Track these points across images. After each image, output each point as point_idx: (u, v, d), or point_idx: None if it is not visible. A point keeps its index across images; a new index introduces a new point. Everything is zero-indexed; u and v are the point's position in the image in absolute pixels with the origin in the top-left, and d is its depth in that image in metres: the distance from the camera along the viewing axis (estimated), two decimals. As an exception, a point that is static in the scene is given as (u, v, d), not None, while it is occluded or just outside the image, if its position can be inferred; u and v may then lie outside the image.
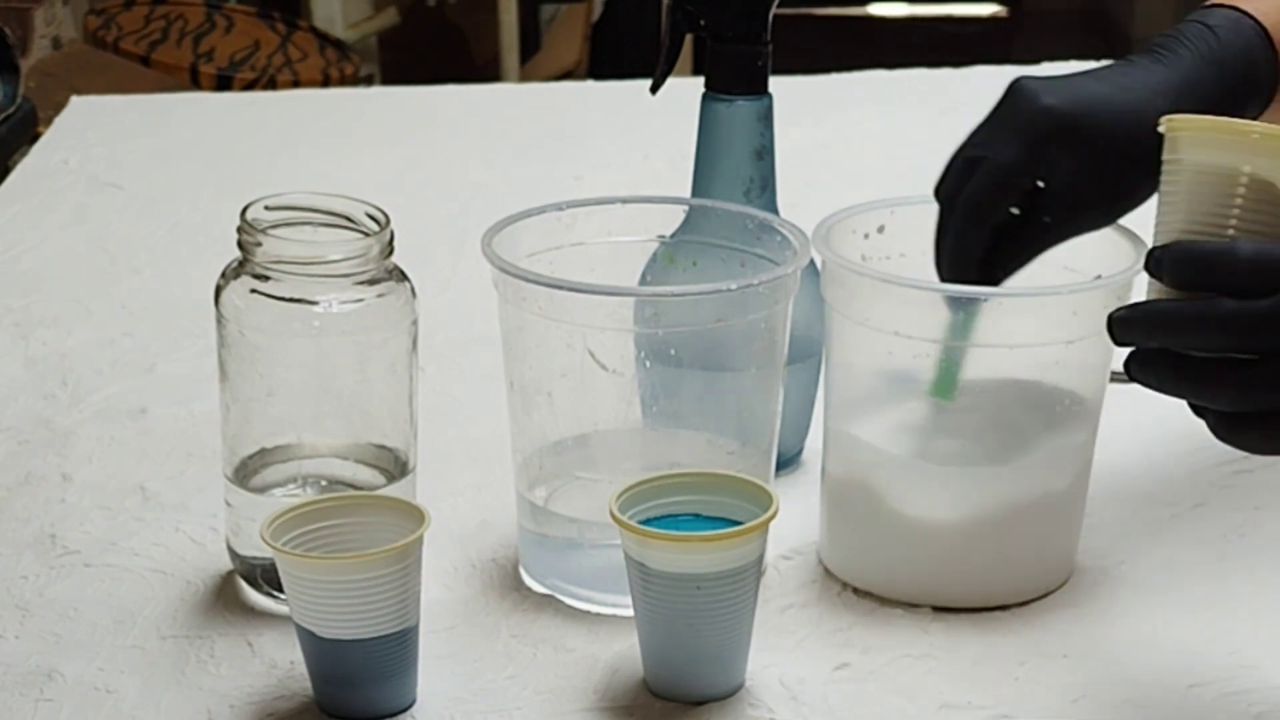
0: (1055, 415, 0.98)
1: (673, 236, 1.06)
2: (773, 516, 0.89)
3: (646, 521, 0.91)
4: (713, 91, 1.07)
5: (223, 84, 2.91)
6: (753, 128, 1.06)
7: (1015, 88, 0.97)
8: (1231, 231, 0.82)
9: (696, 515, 0.93)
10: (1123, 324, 0.83)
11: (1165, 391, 0.83)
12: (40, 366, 1.29)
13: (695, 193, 1.08)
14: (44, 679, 0.95)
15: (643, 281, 1.05)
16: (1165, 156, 0.84)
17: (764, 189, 1.07)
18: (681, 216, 1.06)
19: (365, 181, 1.61)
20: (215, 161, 1.68)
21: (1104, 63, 1.03)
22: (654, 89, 1.09)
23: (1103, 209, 0.97)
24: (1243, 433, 0.82)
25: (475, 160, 1.67)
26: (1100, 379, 0.99)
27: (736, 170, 1.07)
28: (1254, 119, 0.97)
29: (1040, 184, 0.95)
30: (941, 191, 0.98)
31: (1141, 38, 3.39)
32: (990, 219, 0.96)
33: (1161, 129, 0.85)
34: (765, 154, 1.07)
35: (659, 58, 1.08)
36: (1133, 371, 0.84)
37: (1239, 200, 0.82)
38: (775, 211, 1.08)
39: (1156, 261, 0.83)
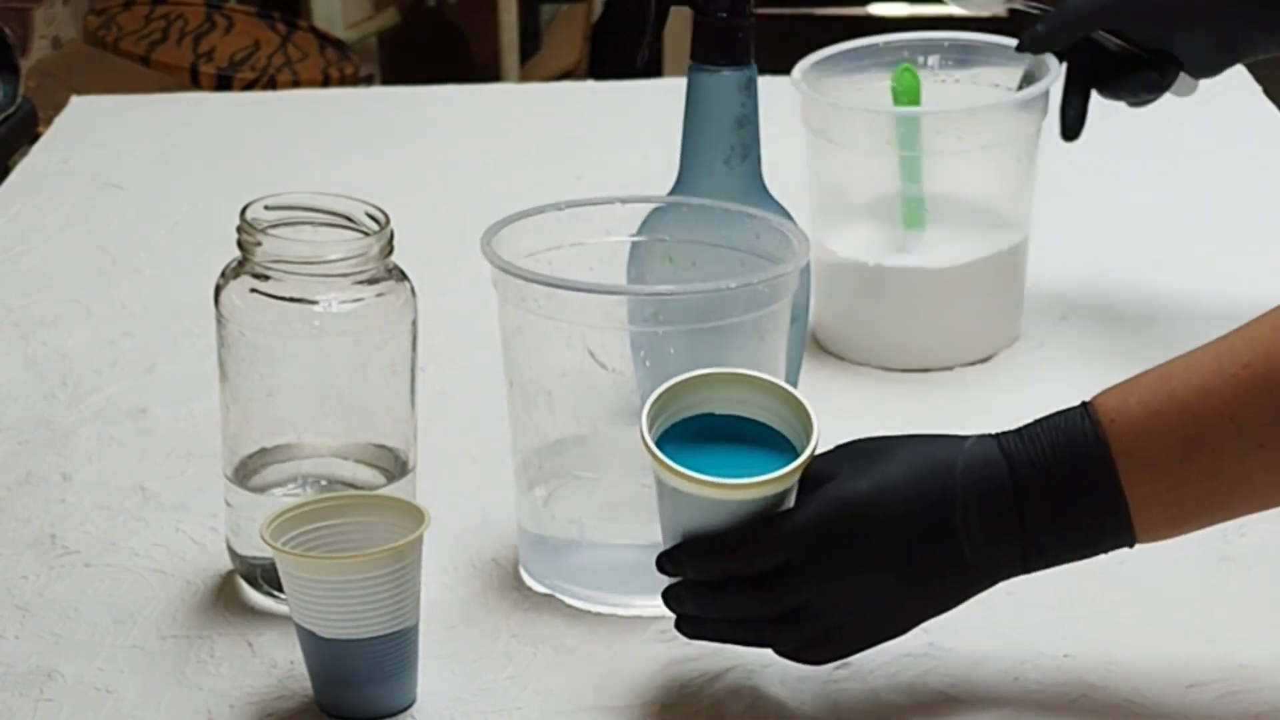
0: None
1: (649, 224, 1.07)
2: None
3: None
4: (697, 62, 1.08)
5: (223, 84, 2.90)
6: (734, 97, 1.09)
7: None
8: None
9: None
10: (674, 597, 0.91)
11: (720, 642, 0.92)
12: (40, 366, 1.29)
13: (681, 160, 1.11)
14: (44, 679, 0.95)
15: (632, 279, 1.05)
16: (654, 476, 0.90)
17: (744, 157, 1.09)
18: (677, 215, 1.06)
19: (365, 181, 1.61)
20: (215, 161, 1.68)
21: None
22: (641, 61, 1.10)
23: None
24: (807, 656, 0.91)
25: (475, 160, 1.66)
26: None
27: (719, 138, 1.09)
28: None
29: None
30: None
31: (1141, 37, 3.37)
32: None
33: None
34: (746, 123, 1.09)
35: (645, 30, 1.09)
36: (685, 631, 0.91)
37: (718, 514, 0.89)
38: (759, 179, 1.10)
39: (671, 560, 0.90)
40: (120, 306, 1.38)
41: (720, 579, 0.89)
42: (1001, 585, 0.91)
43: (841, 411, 1.21)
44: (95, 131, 1.73)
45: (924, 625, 0.97)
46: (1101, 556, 0.95)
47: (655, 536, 0.92)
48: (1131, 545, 0.88)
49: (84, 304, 1.38)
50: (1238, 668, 0.93)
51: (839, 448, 0.91)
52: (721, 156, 1.09)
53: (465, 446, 1.17)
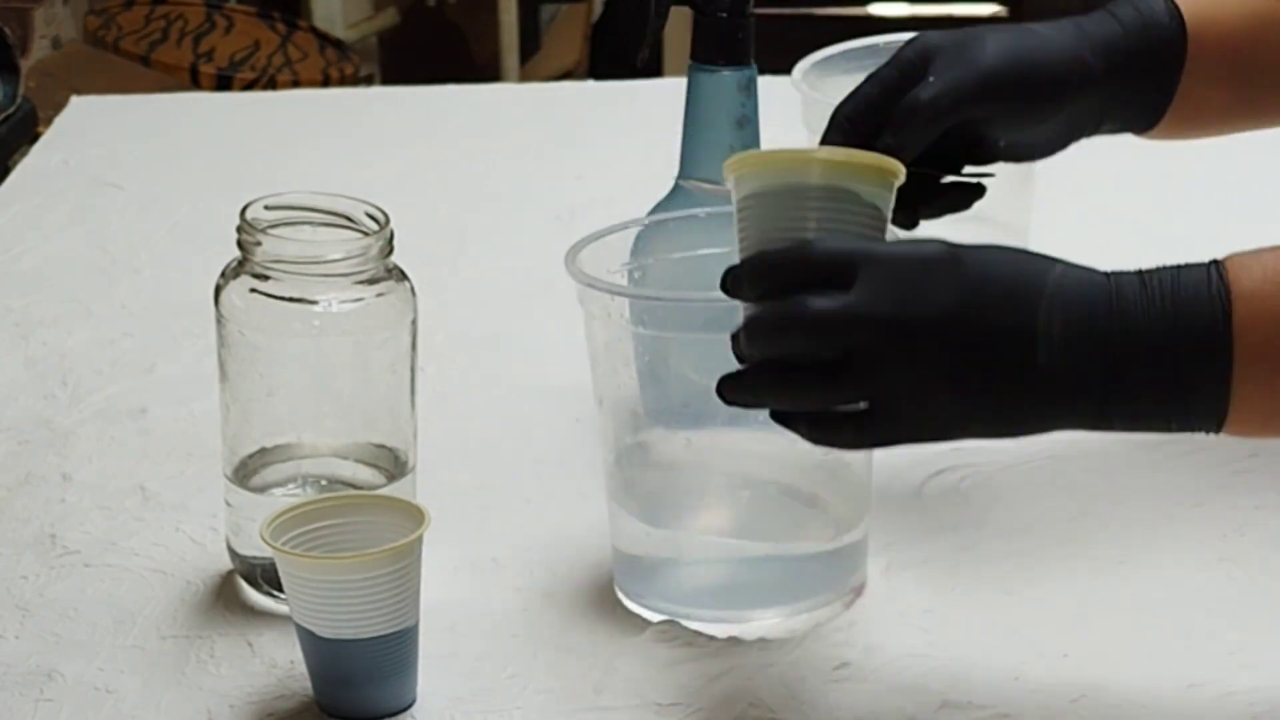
0: None
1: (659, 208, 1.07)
2: None
3: None
4: (697, 62, 1.08)
5: (223, 84, 2.91)
6: (734, 98, 1.08)
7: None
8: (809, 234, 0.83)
9: None
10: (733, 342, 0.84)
11: (758, 405, 0.85)
12: (40, 367, 1.29)
13: (681, 160, 1.10)
14: (44, 679, 0.95)
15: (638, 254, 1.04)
16: (735, 197, 0.85)
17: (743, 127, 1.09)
18: None
19: (365, 181, 1.60)
20: (215, 161, 1.68)
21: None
22: (641, 61, 1.10)
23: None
24: (833, 432, 0.84)
25: (475, 160, 1.66)
26: None
27: (719, 138, 1.09)
28: (1166, 89, 0.99)
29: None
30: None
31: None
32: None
33: (726, 176, 0.85)
34: (747, 123, 1.09)
35: (644, 30, 1.09)
36: (726, 394, 0.85)
37: (812, 212, 0.83)
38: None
39: (735, 279, 0.84)
40: (120, 306, 1.38)
41: (779, 303, 0.82)
42: (1001, 585, 0.91)
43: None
44: (95, 131, 1.73)
45: (923, 625, 0.97)
46: (1101, 555, 0.96)
47: (754, 551, 0.93)
48: (1217, 430, 0.81)
49: (84, 304, 1.38)
50: (1237, 667, 0.93)
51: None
52: (721, 156, 1.07)
53: (466, 446, 1.17)
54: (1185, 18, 1.00)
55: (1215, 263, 0.82)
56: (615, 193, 1.52)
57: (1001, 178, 1.27)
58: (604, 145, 1.70)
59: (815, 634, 0.97)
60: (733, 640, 0.96)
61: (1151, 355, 0.80)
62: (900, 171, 0.86)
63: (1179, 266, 0.82)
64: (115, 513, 1.10)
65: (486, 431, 1.19)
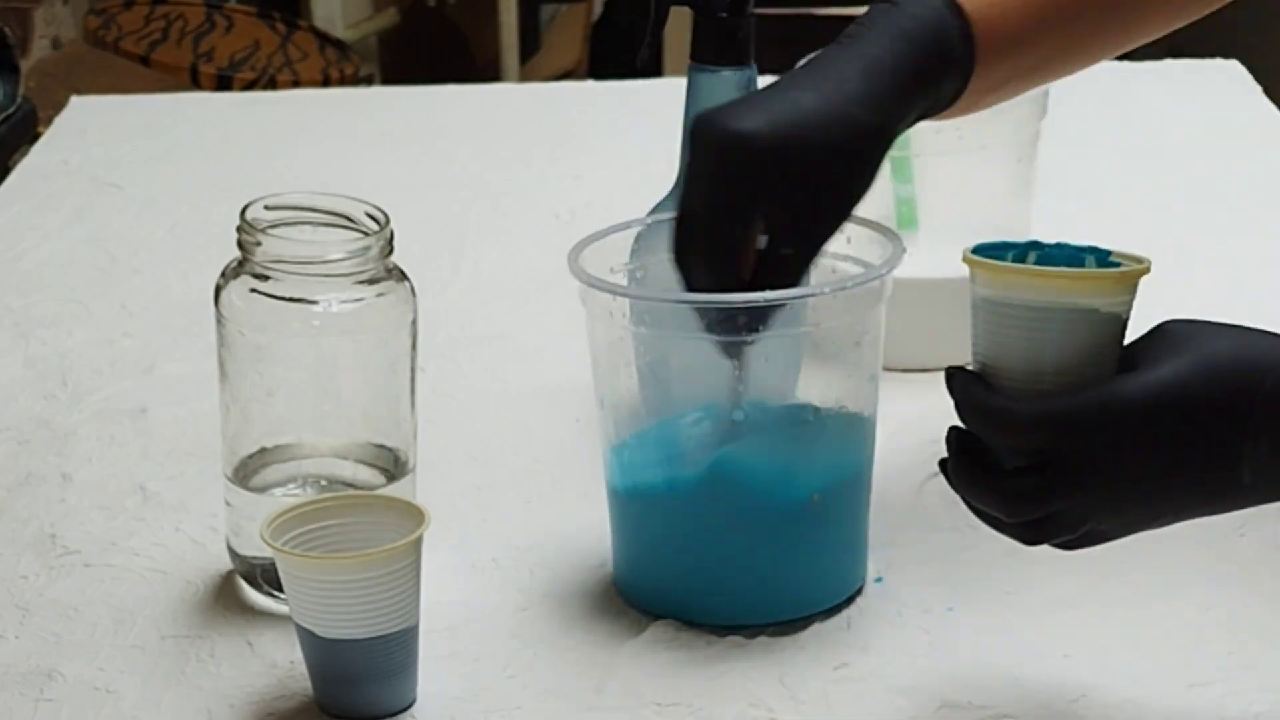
0: None
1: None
2: None
3: None
4: (697, 62, 1.08)
5: (223, 84, 2.90)
6: (734, 97, 1.07)
7: (700, 127, 0.91)
8: (1039, 358, 0.83)
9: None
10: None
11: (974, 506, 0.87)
12: (40, 366, 1.29)
13: (681, 160, 1.08)
14: (44, 679, 0.95)
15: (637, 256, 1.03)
16: (972, 289, 0.85)
17: None
18: None
19: (365, 181, 1.61)
20: (215, 162, 1.68)
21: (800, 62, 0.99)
22: (641, 61, 1.09)
23: (837, 218, 0.93)
24: (1044, 539, 0.86)
25: (475, 160, 1.67)
26: None
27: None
28: (955, 92, 0.96)
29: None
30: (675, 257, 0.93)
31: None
32: (730, 274, 0.92)
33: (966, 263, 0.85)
34: None
35: (645, 29, 1.08)
36: (949, 478, 0.87)
37: (1050, 329, 0.83)
38: None
39: (949, 382, 0.86)
40: (120, 306, 1.38)
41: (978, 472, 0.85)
42: (1001, 585, 0.91)
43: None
44: (95, 132, 1.73)
45: (923, 625, 0.97)
46: (1101, 556, 0.95)
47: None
48: None
49: (84, 304, 1.38)
50: (1237, 668, 0.93)
51: (1147, 334, 0.84)
52: None
53: (466, 447, 1.17)
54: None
55: None
56: (615, 193, 1.52)
57: (1001, 179, 1.27)
58: (604, 145, 1.70)
59: (815, 634, 0.97)
60: (732, 640, 0.96)
61: None
62: (1144, 270, 0.84)
63: None
64: (115, 513, 1.10)
65: (486, 431, 1.19)
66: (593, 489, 1.04)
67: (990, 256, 0.85)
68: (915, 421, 1.16)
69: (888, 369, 1.25)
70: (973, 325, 0.85)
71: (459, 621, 0.99)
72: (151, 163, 1.67)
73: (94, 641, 0.98)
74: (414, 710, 0.91)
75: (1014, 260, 0.86)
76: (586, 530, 1.05)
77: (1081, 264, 0.85)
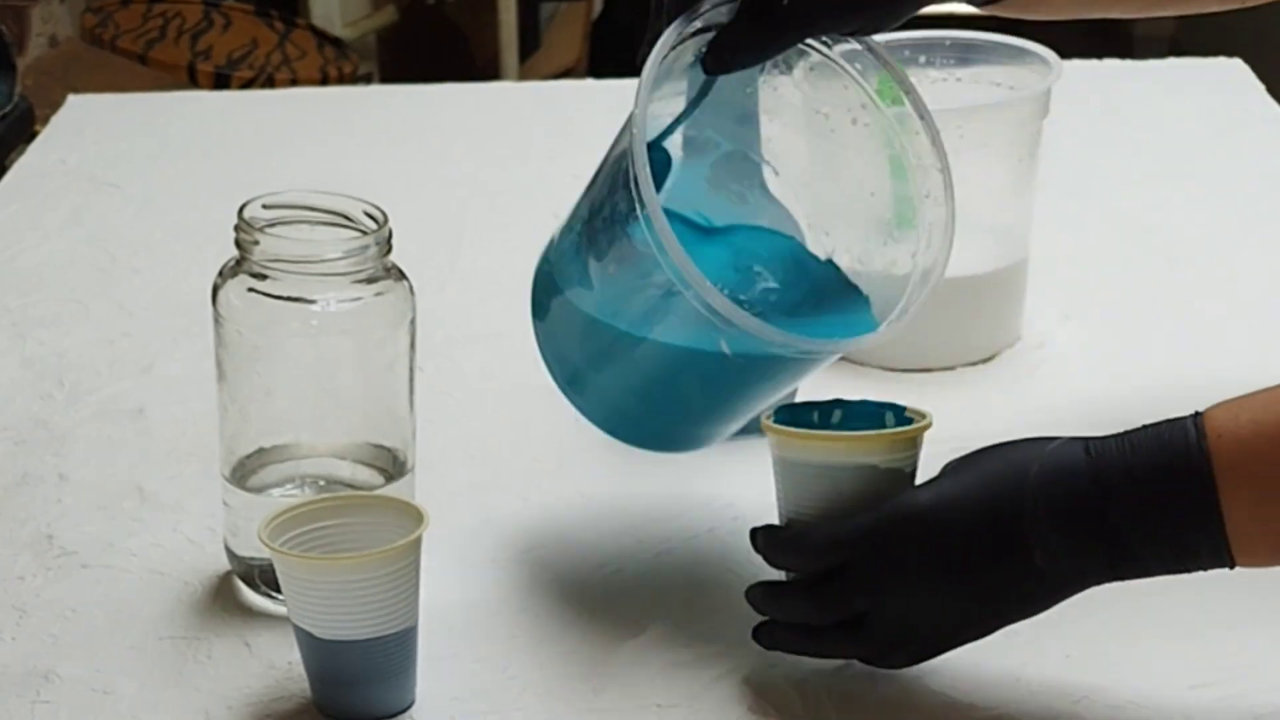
0: None
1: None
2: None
3: None
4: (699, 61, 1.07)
5: (220, 82, 2.90)
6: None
7: None
8: (833, 509, 0.91)
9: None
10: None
11: (795, 653, 0.93)
12: (38, 366, 1.28)
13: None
14: (41, 680, 0.94)
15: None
16: (772, 450, 0.94)
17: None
18: None
19: (363, 180, 1.60)
20: (213, 160, 1.68)
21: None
22: (639, 59, 1.07)
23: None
24: (881, 662, 0.92)
25: (473, 159, 1.66)
26: None
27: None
28: None
29: None
30: None
31: (1143, 37, 3.38)
32: None
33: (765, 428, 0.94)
34: (748, 120, 1.08)
35: (645, 28, 1.07)
36: (763, 641, 0.93)
37: (840, 484, 0.91)
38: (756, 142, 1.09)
39: (754, 541, 0.93)
40: (118, 306, 1.38)
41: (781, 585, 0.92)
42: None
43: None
44: (92, 130, 1.73)
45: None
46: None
47: None
48: (1231, 567, 0.85)
49: (82, 304, 1.38)
50: (1240, 668, 0.93)
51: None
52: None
53: (464, 446, 1.16)
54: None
55: (1195, 414, 0.85)
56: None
57: (1003, 177, 1.27)
58: (603, 144, 1.69)
59: (816, 635, 0.96)
60: (734, 639, 0.95)
61: (1143, 517, 0.84)
62: (924, 428, 0.93)
63: (1159, 424, 0.85)
64: (113, 513, 1.10)
65: (485, 430, 1.18)
66: (592, 489, 1.04)
67: (794, 416, 0.95)
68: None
69: (889, 369, 1.26)
70: (775, 484, 0.94)
71: (458, 622, 0.98)
72: (149, 161, 1.66)
73: (91, 642, 0.97)
74: (413, 711, 0.91)
75: (819, 417, 0.96)
76: (586, 530, 1.05)
77: (881, 421, 0.95)
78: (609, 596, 1.01)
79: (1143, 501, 0.84)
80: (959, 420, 1.07)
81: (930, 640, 0.90)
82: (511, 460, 1.15)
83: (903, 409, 0.95)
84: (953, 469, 0.89)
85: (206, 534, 1.07)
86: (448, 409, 1.21)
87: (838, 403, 0.96)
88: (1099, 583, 0.87)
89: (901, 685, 0.92)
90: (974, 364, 1.25)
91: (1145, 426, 0.85)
